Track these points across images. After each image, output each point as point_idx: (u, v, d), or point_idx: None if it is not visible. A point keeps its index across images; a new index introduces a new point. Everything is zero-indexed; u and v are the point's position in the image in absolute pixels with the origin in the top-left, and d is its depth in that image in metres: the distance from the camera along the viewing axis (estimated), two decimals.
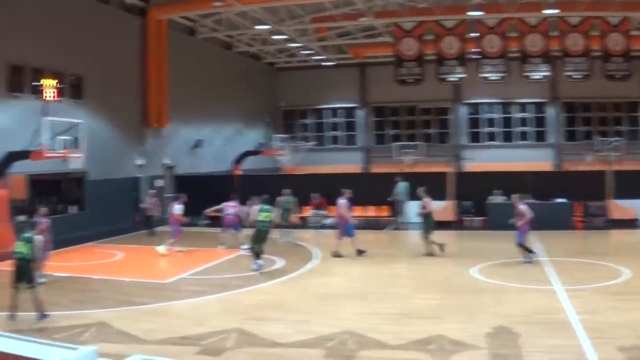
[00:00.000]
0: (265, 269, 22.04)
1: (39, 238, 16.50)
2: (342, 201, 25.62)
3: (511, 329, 13.87)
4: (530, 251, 22.52)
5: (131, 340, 13.77)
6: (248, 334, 14.11)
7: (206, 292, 18.77)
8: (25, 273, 15.70)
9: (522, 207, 22.53)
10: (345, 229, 25.22)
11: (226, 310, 16.65)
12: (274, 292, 19.09)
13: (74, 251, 27.18)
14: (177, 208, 26.48)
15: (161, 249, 25.72)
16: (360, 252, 24.71)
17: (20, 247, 15.88)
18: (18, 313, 15.41)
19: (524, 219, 22.29)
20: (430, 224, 24.97)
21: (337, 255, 24.49)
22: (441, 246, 24.57)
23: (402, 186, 33.18)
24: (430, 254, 24.43)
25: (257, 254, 21.82)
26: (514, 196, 23.32)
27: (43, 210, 21.47)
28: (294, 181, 38.79)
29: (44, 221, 20.32)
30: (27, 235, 16.25)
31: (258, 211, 22.45)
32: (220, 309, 16.88)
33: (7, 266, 18.96)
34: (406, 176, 35.13)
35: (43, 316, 15.49)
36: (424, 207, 25.16)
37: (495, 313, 15.42)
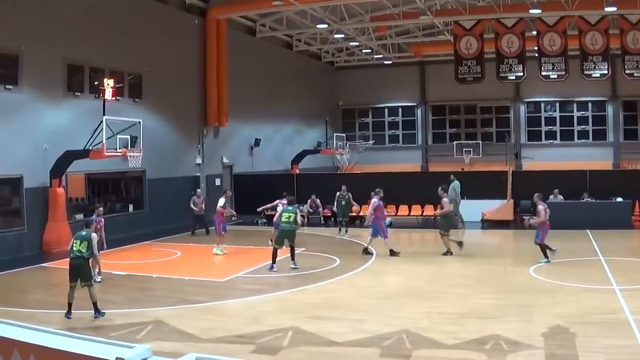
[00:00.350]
0: (321, 268, 22.10)
1: (94, 236, 16.55)
2: (373, 200, 25.21)
3: (568, 329, 13.58)
4: (549, 249, 22.05)
5: (187, 338, 13.74)
6: (304, 333, 13.99)
7: (263, 290, 18.70)
8: (81, 271, 15.78)
9: (540, 207, 22.17)
10: (373, 228, 24.91)
11: (282, 309, 16.55)
12: (331, 290, 18.94)
13: (132, 249, 27.42)
14: (221, 201, 26.19)
15: (216, 250, 25.63)
16: (392, 253, 24.52)
17: (76, 245, 15.95)
18: (73, 311, 15.50)
19: (539, 220, 21.93)
20: (448, 223, 24.74)
21: (393, 254, 24.31)
22: (460, 244, 24.33)
23: (452, 186, 32.91)
24: (448, 253, 24.18)
25: (274, 255, 21.89)
26: (536, 195, 22.90)
27: (99, 209, 21.66)
28: (352, 180, 38.75)
29: (99, 220, 20.38)
30: (83, 233, 16.31)
31: (281, 212, 22.77)
32: (277, 308, 16.80)
33: (64, 264, 19.23)
34: (466, 175, 34.92)
35: (99, 314, 15.56)
36: (442, 207, 24.91)
37: (552, 313, 15.11)
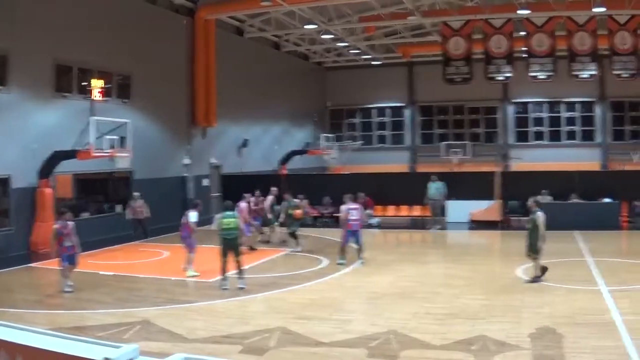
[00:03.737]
0: (308, 268, 22.22)
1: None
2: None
3: (555, 330, 13.63)
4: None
5: (175, 338, 13.75)
6: (292, 333, 14.04)
7: (251, 290, 18.67)
8: None
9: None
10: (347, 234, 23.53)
11: (270, 309, 16.60)
12: (319, 291, 19.00)
13: (119, 250, 27.40)
14: (192, 215, 21.68)
15: (189, 273, 21.49)
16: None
17: None
18: (62, 311, 15.47)
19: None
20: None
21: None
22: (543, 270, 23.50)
23: (432, 187, 33.06)
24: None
25: (223, 264, 19.32)
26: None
27: (67, 213, 20.09)
28: (340, 181, 38.82)
29: (69, 224, 19.48)
30: None
31: (220, 218, 19.87)
32: (265, 308, 16.86)
33: (52, 264, 19.29)
34: (454, 176, 34.99)
35: None
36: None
37: (541, 313, 15.18)
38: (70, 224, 19.55)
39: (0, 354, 5.37)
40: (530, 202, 20.27)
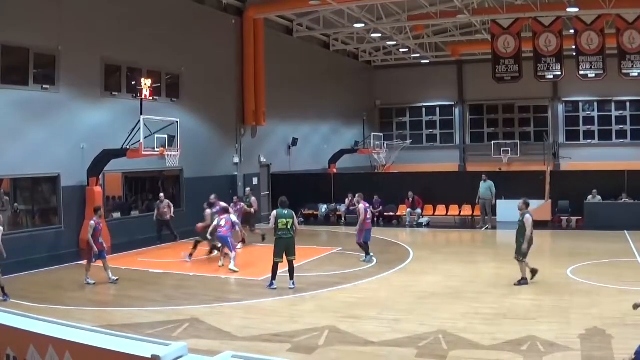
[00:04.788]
0: (358, 267, 22.13)
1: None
2: (360, 206, 24.08)
3: (605, 331, 13.36)
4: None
5: (223, 336, 13.74)
6: (341, 332, 13.95)
7: (300, 289, 18.63)
8: None
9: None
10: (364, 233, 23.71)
11: (320, 308, 16.51)
12: (369, 290, 18.91)
13: (169, 248, 27.48)
14: (232, 217, 23.05)
15: (232, 267, 22.02)
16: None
17: None
18: (109, 309, 15.52)
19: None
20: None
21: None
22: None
23: (483, 186, 32.87)
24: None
25: (274, 270, 19.07)
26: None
27: (99, 210, 20.88)
28: (389, 180, 38.69)
29: (98, 222, 20.12)
30: None
31: (275, 216, 19.15)
32: (314, 307, 16.73)
33: (100, 262, 19.42)
34: (503, 175, 34.73)
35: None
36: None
37: (590, 314, 14.91)
38: (99, 222, 20.09)
39: (48, 350, 5.33)
40: (520, 203, 19.87)
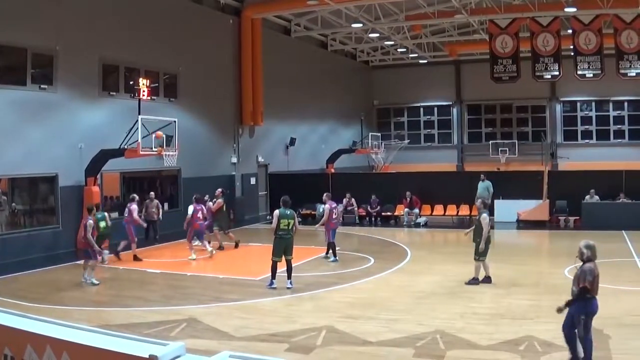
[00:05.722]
0: (356, 267, 22.17)
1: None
2: (325, 206, 24.62)
3: (602, 331, 13.31)
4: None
5: (221, 336, 13.74)
6: (338, 332, 13.95)
7: (298, 289, 18.62)
8: None
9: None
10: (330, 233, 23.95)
11: (317, 308, 16.51)
12: (366, 290, 18.90)
13: (166, 248, 27.53)
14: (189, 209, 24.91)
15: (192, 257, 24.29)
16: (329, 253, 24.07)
17: None
18: (107, 309, 15.53)
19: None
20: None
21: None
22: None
23: (481, 186, 32.88)
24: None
25: (273, 269, 19.05)
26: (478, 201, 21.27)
27: (93, 209, 21.52)
28: (387, 180, 38.70)
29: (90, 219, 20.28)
30: None
31: (278, 216, 19.06)
32: (312, 307, 16.74)
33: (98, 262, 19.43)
34: (501, 175, 34.72)
35: None
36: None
37: None
38: (91, 220, 20.32)
39: (46, 350, 5.33)
40: (478, 202, 20.23)
